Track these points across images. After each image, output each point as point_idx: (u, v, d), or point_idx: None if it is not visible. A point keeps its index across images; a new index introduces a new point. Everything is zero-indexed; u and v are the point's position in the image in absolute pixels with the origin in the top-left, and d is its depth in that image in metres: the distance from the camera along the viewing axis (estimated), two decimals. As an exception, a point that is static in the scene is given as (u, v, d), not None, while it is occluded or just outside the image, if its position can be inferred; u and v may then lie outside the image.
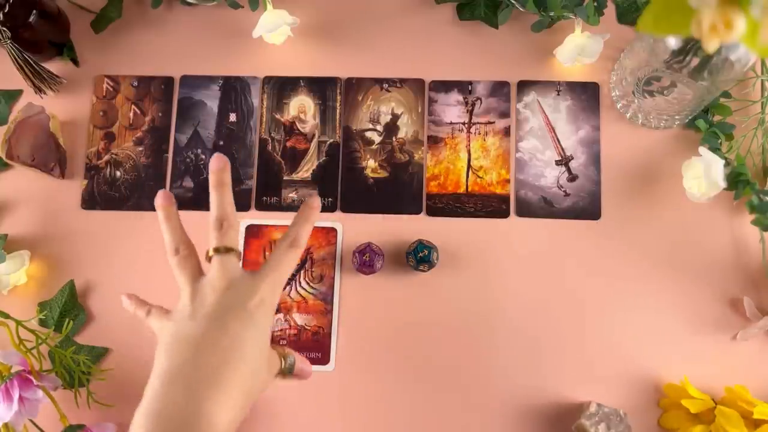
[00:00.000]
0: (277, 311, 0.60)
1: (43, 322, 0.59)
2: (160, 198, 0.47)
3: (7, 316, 0.57)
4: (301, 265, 0.61)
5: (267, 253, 0.61)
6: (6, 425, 0.53)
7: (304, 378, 0.50)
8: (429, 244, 0.58)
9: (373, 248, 0.58)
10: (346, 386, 0.58)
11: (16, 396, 0.52)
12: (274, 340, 0.59)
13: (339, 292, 0.60)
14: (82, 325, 0.60)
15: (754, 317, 0.57)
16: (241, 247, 0.61)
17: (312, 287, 0.60)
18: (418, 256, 0.57)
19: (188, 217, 0.62)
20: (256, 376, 0.43)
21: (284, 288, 0.60)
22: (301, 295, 0.60)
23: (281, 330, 0.59)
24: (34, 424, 0.56)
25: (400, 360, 0.59)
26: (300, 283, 0.60)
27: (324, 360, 0.59)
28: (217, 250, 0.45)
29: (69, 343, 0.59)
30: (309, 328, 0.59)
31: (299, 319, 0.60)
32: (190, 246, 0.47)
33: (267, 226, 0.61)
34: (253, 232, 0.61)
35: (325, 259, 0.61)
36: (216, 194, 0.46)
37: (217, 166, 0.47)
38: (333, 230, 0.61)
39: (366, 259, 0.58)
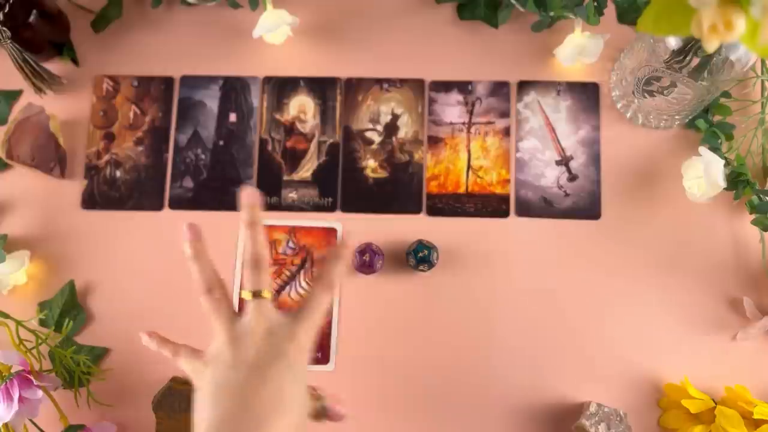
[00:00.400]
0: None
1: (43, 322, 0.59)
2: (188, 232, 0.46)
3: (7, 316, 0.57)
4: (301, 265, 0.61)
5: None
6: (6, 425, 0.53)
7: (336, 421, 0.49)
8: (429, 244, 0.58)
9: (373, 248, 0.58)
10: (346, 386, 0.58)
11: (16, 396, 0.52)
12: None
13: (339, 292, 0.60)
14: (82, 325, 0.60)
15: (754, 317, 0.57)
16: (240, 248, 0.61)
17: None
18: (418, 256, 0.57)
19: (188, 216, 0.62)
20: (296, 422, 0.42)
21: (285, 290, 0.60)
22: (300, 295, 0.60)
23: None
24: (34, 424, 0.56)
25: (400, 360, 0.59)
26: (300, 283, 0.60)
27: (324, 360, 0.59)
28: (253, 294, 0.44)
29: (69, 343, 0.59)
30: (309, 328, 0.59)
31: (299, 319, 0.60)
32: (223, 286, 0.46)
33: (267, 226, 0.61)
34: (253, 232, 0.61)
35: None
36: (250, 233, 0.46)
37: (250, 202, 0.46)
38: (333, 230, 0.61)
39: (366, 259, 0.58)
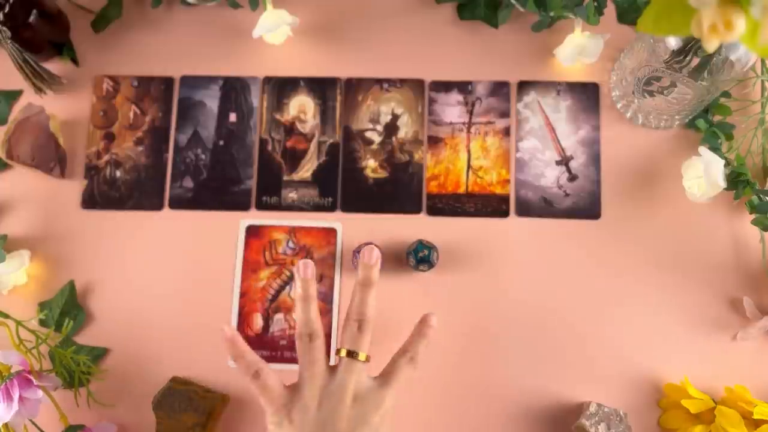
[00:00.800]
0: (277, 311, 0.60)
1: (43, 322, 0.59)
2: (303, 270, 0.47)
3: (7, 316, 0.57)
4: (301, 265, 0.61)
5: (267, 253, 0.61)
6: (6, 425, 0.53)
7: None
8: (429, 244, 0.58)
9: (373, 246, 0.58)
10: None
11: (16, 396, 0.52)
12: (275, 340, 0.59)
13: (339, 292, 0.60)
14: (82, 325, 0.60)
15: (754, 317, 0.57)
16: (240, 248, 0.61)
17: (312, 287, 0.60)
18: (418, 256, 0.57)
19: (188, 216, 0.62)
20: None
21: (285, 290, 0.60)
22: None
23: (281, 330, 0.59)
24: (34, 424, 0.56)
25: (400, 360, 0.59)
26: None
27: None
28: (349, 354, 0.45)
29: (69, 343, 0.59)
30: (309, 328, 0.59)
31: (299, 319, 0.60)
32: (322, 335, 0.47)
33: (267, 226, 0.61)
34: (253, 232, 0.61)
35: (325, 259, 0.61)
36: (362, 292, 0.47)
37: (370, 262, 0.47)
38: (333, 230, 0.61)
39: None
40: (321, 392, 0.44)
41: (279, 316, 0.60)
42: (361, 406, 0.44)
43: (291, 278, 0.60)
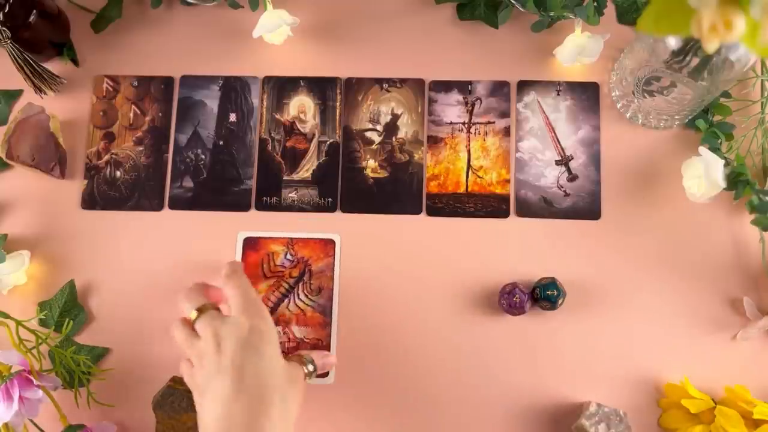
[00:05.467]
0: (276, 324, 0.59)
1: (43, 322, 0.59)
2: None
3: (7, 316, 0.57)
4: (299, 278, 0.60)
5: (265, 266, 0.60)
6: (6, 425, 0.53)
7: (329, 368, 0.56)
8: (561, 286, 0.57)
9: (521, 288, 0.57)
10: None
11: (16, 396, 0.52)
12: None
13: (338, 305, 0.60)
14: (82, 325, 0.60)
15: (754, 317, 0.57)
16: (238, 257, 0.61)
17: (310, 299, 0.60)
18: (546, 294, 0.56)
19: (188, 217, 0.62)
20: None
21: (284, 303, 0.60)
22: (299, 308, 0.60)
23: (280, 342, 0.59)
24: (34, 424, 0.56)
25: (400, 359, 0.58)
26: (298, 295, 0.60)
27: (323, 373, 0.58)
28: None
29: (69, 343, 0.59)
30: (308, 340, 0.59)
31: (298, 331, 0.59)
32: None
33: (265, 238, 0.61)
34: (250, 244, 0.61)
35: (324, 271, 0.60)
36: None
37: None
38: (331, 242, 0.61)
39: (516, 301, 0.57)
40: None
41: (277, 329, 0.59)
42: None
43: (289, 291, 0.60)
